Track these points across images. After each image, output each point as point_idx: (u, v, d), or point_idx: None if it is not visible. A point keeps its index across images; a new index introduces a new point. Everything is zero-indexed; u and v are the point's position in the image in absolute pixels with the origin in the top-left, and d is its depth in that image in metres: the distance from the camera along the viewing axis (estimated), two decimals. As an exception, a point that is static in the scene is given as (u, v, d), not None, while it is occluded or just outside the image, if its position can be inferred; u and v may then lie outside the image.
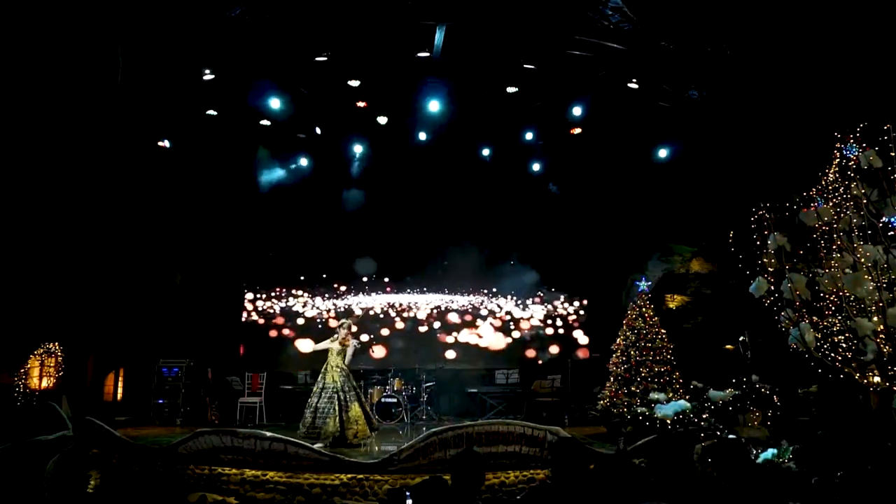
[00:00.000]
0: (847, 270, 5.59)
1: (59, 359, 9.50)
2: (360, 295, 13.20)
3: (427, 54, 9.53)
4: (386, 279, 13.24)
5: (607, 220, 12.50)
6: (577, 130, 11.43)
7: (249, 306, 12.94)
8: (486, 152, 12.15)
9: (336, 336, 8.55)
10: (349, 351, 8.45)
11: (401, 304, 13.23)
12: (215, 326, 12.20)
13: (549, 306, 13.16)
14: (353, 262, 12.92)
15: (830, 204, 5.88)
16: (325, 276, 13.12)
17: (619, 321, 9.64)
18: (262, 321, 12.91)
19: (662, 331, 9.24)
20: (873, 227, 5.52)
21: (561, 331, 13.05)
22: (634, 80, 9.91)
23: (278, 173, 12.41)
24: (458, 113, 10.81)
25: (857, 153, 5.61)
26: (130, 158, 10.33)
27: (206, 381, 11.44)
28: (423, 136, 11.65)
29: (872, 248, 5.45)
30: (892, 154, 5.34)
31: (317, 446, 7.15)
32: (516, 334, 13.04)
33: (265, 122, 11.09)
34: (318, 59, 9.55)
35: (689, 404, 7.93)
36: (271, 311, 12.98)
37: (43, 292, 9.64)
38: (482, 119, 11.23)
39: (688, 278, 11.79)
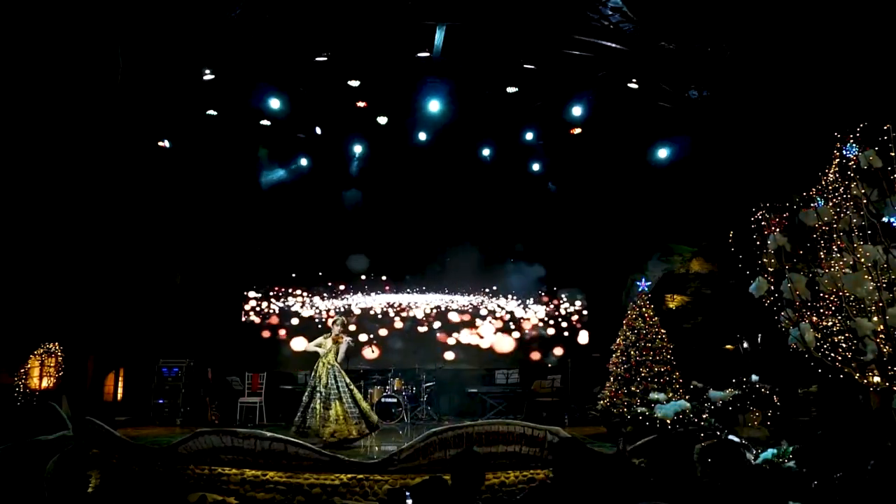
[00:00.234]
0: (847, 270, 5.59)
1: (59, 359, 9.52)
2: (360, 294, 13.20)
3: (427, 54, 9.51)
4: (384, 278, 13.24)
5: (607, 220, 12.49)
6: (577, 130, 11.42)
7: (250, 306, 12.94)
8: (486, 152, 12.13)
9: (329, 333, 8.52)
10: (342, 348, 8.39)
11: (400, 304, 13.24)
12: (215, 326, 12.21)
13: (550, 306, 13.16)
14: (351, 260, 12.91)
15: (830, 204, 5.87)
16: (324, 276, 13.12)
17: (619, 321, 9.63)
18: (258, 321, 12.91)
19: (662, 331, 9.23)
20: (873, 227, 5.52)
21: (565, 332, 13.02)
22: (634, 80, 9.88)
23: (278, 173, 12.41)
24: (458, 113, 10.79)
25: (856, 153, 5.61)
26: (130, 159, 10.33)
27: (206, 381, 11.44)
28: (422, 136, 11.63)
29: (872, 248, 5.44)
30: (892, 154, 5.33)
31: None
32: (516, 334, 13.03)
33: (265, 122, 11.09)
34: (317, 59, 9.55)
35: (688, 404, 7.91)
36: (271, 310, 12.98)
37: (43, 292, 9.64)
38: (482, 119, 11.21)
39: (688, 278, 11.79)
